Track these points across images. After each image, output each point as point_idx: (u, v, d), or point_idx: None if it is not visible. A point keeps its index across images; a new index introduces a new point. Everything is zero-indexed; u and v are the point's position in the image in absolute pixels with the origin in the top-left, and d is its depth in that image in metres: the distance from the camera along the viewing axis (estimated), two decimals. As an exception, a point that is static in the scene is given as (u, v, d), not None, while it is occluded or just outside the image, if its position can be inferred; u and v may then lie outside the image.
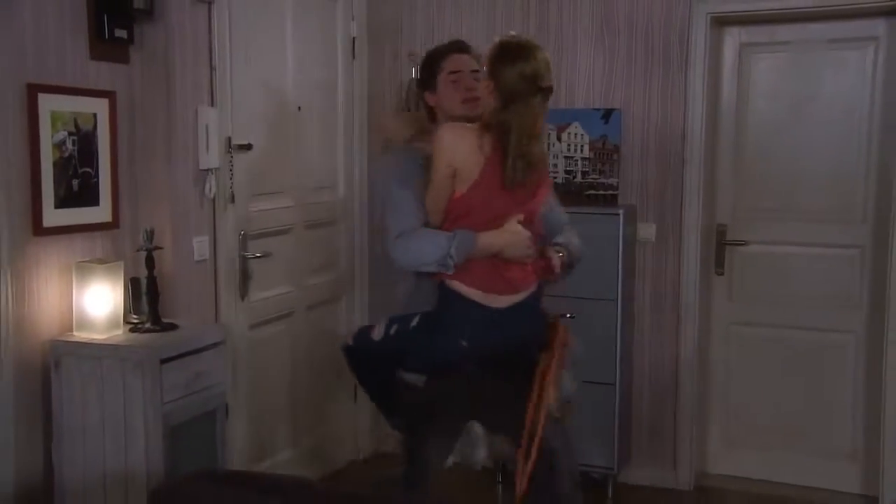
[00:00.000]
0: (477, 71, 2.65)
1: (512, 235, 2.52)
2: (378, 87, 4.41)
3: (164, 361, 2.73)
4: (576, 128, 4.10)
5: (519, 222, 2.53)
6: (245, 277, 3.57)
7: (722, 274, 4.18)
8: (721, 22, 3.99)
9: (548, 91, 2.47)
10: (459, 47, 2.76)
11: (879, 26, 3.83)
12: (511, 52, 2.43)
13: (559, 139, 4.11)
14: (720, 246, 4.16)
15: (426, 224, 2.59)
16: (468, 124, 2.52)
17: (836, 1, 3.72)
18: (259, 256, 3.60)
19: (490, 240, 2.51)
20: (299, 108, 3.89)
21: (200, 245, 3.32)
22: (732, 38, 4.07)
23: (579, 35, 4.09)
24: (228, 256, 3.46)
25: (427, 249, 2.54)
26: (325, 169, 4.15)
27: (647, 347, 4.09)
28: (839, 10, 3.77)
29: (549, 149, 4.06)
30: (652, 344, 4.09)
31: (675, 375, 4.06)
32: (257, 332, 3.68)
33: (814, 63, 3.97)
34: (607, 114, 4.04)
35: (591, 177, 4.09)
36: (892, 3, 3.63)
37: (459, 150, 2.46)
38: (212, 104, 3.32)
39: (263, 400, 3.72)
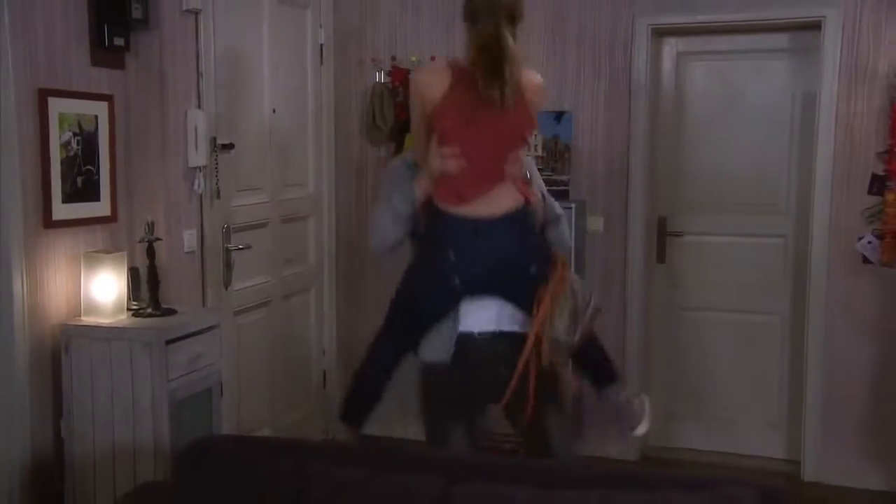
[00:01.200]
0: None
1: (437, 158, 2.51)
2: (344, 91, 4.70)
3: (168, 342, 2.98)
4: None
5: None
6: (228, 268, 3.83)
7: (663, 262, 4.58)
8: (660, 33, 4.39)
9: (508, 11, 2.49)
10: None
11: (798, 39, 4.27)
12: None
13: (514, 139, 4.45)
14: (661, 237, 4.57)
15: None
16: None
17: (759, 16, 4.14)
18: (241, 248, 3.86)
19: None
20: (274, 110, 4.16)
21: (190, 237, 3.57)
22: (670, 47, 4.48)
23: (533, 44, 4.44)
24: (214, 248, 3.72)
25: (379, 220, 2.66)
26: (296, 167, 4.43)
27: (597, 330, 4.45)
28: (763, 25, 4.20)
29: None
30: (599, 329, 4.45)
31: (623, 356, 4.44)
32: (239, 319, 3.94)
33: (741, 70, 4.39)
34: (559, 115, 4.41)
35: (544, 173, 4.42)
36: (810, 18, 4.07)
37: (424, 81, 2.58)
38: (199, 107, 3.57)
39: (245, 382, 3.98)
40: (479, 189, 2.53)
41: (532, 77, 2.62)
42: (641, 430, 2.78)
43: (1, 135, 2.83)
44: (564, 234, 2.86)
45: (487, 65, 2.44)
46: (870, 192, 4.02)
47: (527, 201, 2.61)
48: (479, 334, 2.59)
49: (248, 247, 3.90)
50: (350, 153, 4.74)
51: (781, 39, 4.31)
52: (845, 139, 4.05)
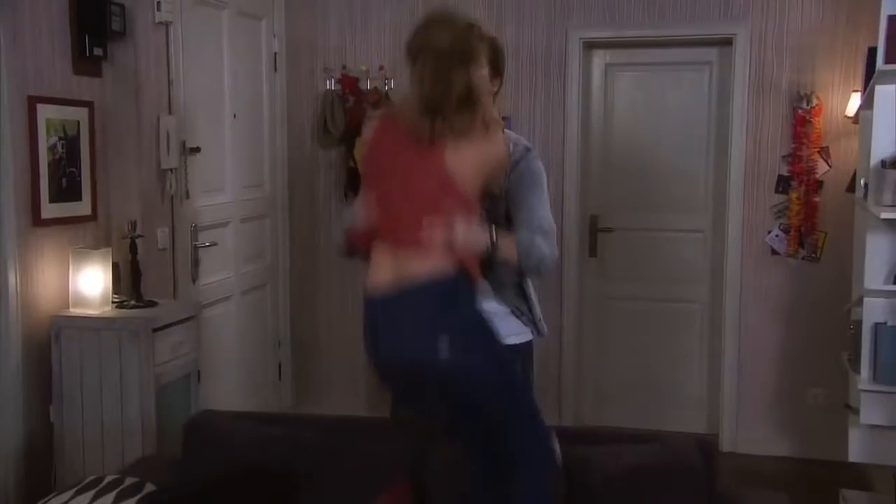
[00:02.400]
0: None
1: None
2: (297, 98, 4.98)
3: (154, 331, 3.23)
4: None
5: None
6: (196, 264, 4.07)
7: (595, 256, 4.99)
8: (590, 45, 4.81)
9: (426, 51, 2.14)
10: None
11: (713, 53, 4.74)
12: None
13: (458, 143, 4.81)
14: (593, 232, 4.98)
15: None
16: None
17: (679, 32, 4.61)
18: (207, 245, 4.10)
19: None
20: (235, 115, 4.42)
21: (163, 235, 3.81)
22: (599, 59, 4.90)
23: (474, 55, 4.80)
24: (183, 245, 3.96)
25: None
26: (254, 170, 4.69)
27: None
28: (682, 40, 4.66)
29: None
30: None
31: (559, 342, 4.84)
32: (206, 312, 4.17)
33: (663, 81, 4.84)
34: (499, 122, 4.77)
35: (486, 175, 4.81)
36: (723, 35, 4.54)
37: (363, 132, 2.45)
38: (170, 112, 3.81)
39: (211, 371, 4.21)
40: (386, 251, 2.11)
41: (498, 143, 2.23)
42: None
43: (-5, 140, 3.03)
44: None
45: (419, 98, 2.12)
46: (776, 191, 4.52)
47: (461, 269, 2.07)
48: None
49: (214, 244, 4.14)
50: (303, 156, 5.02)
51: (698, 54, 4.77)
52: (754, 144, 4.53)
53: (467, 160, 2.09)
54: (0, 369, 3.11)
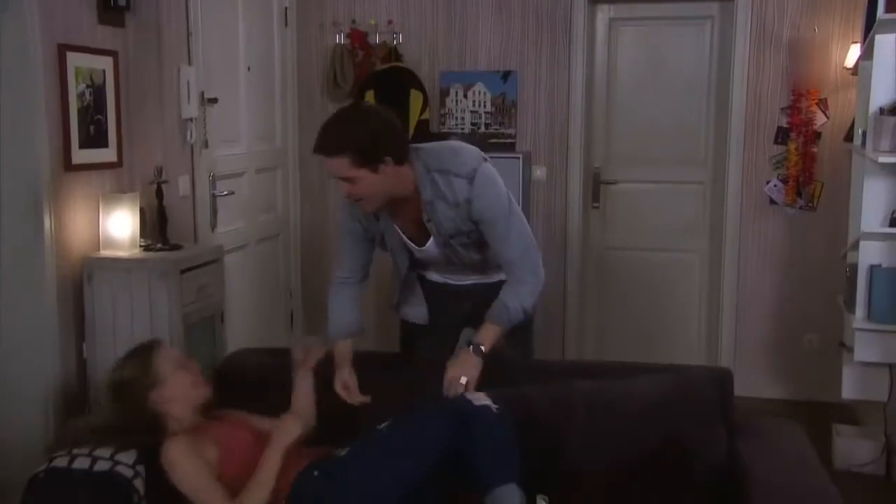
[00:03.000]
0: (346, 175, 2.43)
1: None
2: (307, 52, 5.07)
3: (181, 272, 3.36)
4: (479, 87, 4.93)
5: None
6: (214, 212, 4.18)
7: (597, 208, 5.14)
8: (595, 0, 4.91)
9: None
10: (320, 147, 2.46)
11: (714, 7, 4.85)
12: None
13: (465, 97, 4.93)
14: (596, 185, 5.12)
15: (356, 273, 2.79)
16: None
17: (682, -14, 4.72)
18: (225, 195, 4.22)
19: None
20: (249, 68, 4.51)
21: (184, 183, 3.92)
22: (603, 14, 5.00)
23: (480, 11, 4.91)
24: (202, 194, 4.07)
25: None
26: (266, 122, 4.79)
27: (541, 267, 4.99)
28: (685, -6, 4.78)
29: (456, 105, 4.91)
30: (544, 265, 4.98)
31: (563, 291, 5.00)
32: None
33: (665, 35, 4.95)
34: (506, 75, 4.89)
35: (493, 128, 4.95)
36: (725, -11, 4.66)
37: None
38: (189, 63, 3.90)
39: (227, 319, 4.34)
40: None
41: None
42: None
43: (29, 87, 3.13)
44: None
45: None
46: (775, 142, 4.66)
47: None
48: None
49: (231, 193, 4.26)
50: (313, 110, 5.12)
51: (700, 8, 4.88)
52: (755, 96, 4.66)
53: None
54: (37, 308, 3.23)
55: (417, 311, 2.95)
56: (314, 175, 5.16)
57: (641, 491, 2.18)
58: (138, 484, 2.33)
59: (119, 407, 2.45)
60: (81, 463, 2.31)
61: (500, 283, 2.69)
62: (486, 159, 2.62)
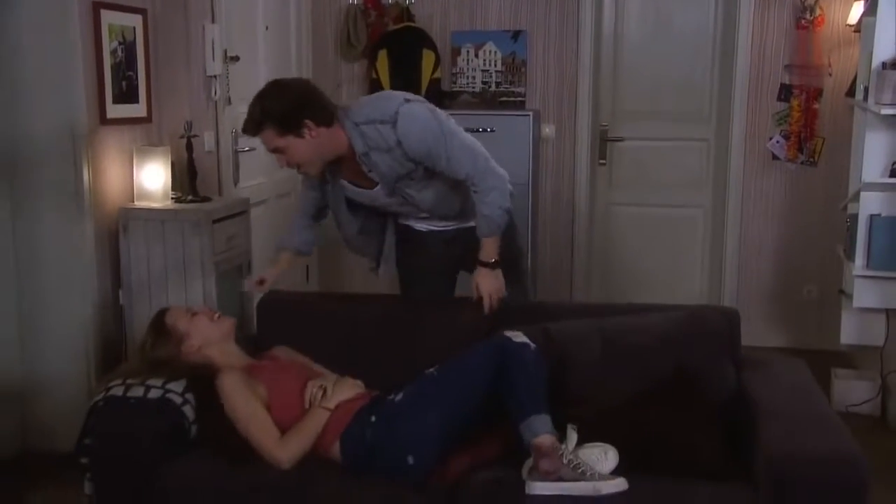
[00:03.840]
0: (276, 146, 2.67)
1: None
2: (321, 13, 5.19)
3: (213, 222, 3.51)
4: (490, 46, 5.05)
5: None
6: (236, 167, 4.32)
7: (604, 164, 5.28)
8: (604, -41, 5.03)
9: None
10: (246, 128, 2.72)
11: (721, -33, 4.97)
12: None
13: (476, 56, 5.06)
14: (603, 142, 5.26)
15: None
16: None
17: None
18: (246, 150, 4.36)
19: None
20: (267, 27, 4.63)
21: (209, 138, 4.05)
22: (611, -27, 5.12)
23: (493, -31, 5.03)
24: (226, 149, 4.21)
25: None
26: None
27: (549, 222, 5.16)
28: (692, -47, 4.89)
29: (467, 64, 5.04)
30: (553, 219, 5.17)
31: (571, 243, 5.17)
32: (246, 214, 4.45)
33: (672, -6, 5.08)
34: (516, 34, 5.01)
35: (503, 86, 5.08)
36: (731, -51, 4.77)
37: None
38: (213, 21, 4.02)
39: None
40: None
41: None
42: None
43: (67, 43, 3.27)
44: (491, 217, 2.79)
45: None
46: (778, 99, 4.80)
47: None
48: None
49: (252, 149, 4.39)
50: (326, 69, 5.24)
51: (706, -33, 5.00)
52: (759, 54, 4.80)
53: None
54: (76, 257, 3.40)
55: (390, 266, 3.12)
56: (329, 133, 5.29)
57: (657, 418, 2.34)
58: (187, 410, 2.50)
59: (160, 366, 2.59)
60: (136, 391, 2.48)
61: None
62: (408, 100, 2.70)
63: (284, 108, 2.59)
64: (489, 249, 2.82)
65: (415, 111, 2.68)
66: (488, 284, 2.81)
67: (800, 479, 2.06)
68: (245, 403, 2.44)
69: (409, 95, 2.76)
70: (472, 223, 2.89)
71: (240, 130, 4.20)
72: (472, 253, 2.86)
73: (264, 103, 2.62)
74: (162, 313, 2.63)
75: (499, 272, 2.82)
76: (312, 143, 2.63)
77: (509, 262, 2.94)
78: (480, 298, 2.81)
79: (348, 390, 2.54)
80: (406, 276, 3.17)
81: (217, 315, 2.63)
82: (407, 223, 3.06)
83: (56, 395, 3.44)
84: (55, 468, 3.31)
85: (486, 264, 2.81)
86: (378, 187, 2.81)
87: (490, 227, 2.79)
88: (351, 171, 2.80)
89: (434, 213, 2.97)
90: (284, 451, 2.38)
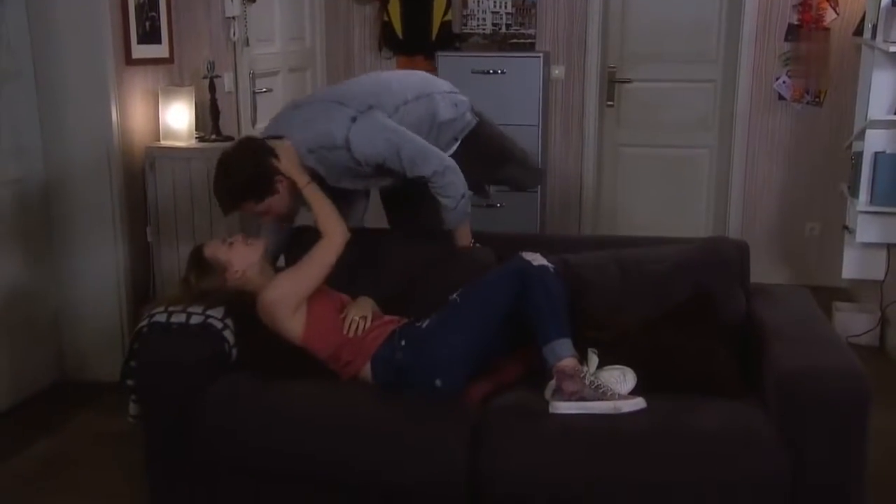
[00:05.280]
0: (256, 212, 2.80)
1: None
2: (333, -47, 5.22)
3: (237, 160, 3.61)
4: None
5: None
6: (254, 108, 4.41)
7: (612, 106, 5.36)
8: None
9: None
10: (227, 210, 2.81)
11: None
12: None
13: (487, -3, 5.12)
14: (611, 84, 5.33)
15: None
16: None
17: None
18: (264, 91, 4.44)
19: None
20: (281, -32, 4.67)
21: (228, 79, 4.13)
22: (621, -86, 5.14)
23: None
24: (244, 90, 4.29)
25: None
26: (297, 23, 4.96)
27: (558, 162, 5.26)
28: None
29: (478, 6, 5.09)
30: (562, 159, 5.27)
31: (580, 183, 5.28)
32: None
33: (681, -64, 5.11)
34: (527, -24, 5.06)
35: (513, 28, 5.14)
36: None
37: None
38: (231, -37, 4.08)
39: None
40: None
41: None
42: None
43: (93, -17, 3.34)
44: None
45: None
46: (786, 40, 4.87)
47: None
48: None
49: (269, 90, 4.48)
50: (339, 11, 5.29)
51: None
52: (767, -6, 4.86)
53: None
54: (105, 195, 3.51)
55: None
56: (341, 74, 5.36)
57: (674, 340, 2.48)
58: (227, 335, 2.64)
59: (206, 295, 2.71)
60: (178, 318, 2.61)
61: None
62: (354, 119, 2.75)
63: (250, 178, 2.68)
64: (464, 236, 2.98)
65: (364, 130, 2.74)
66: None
67: (807, 392, 2.21)
68: (290, 276, 2.63)
69: (352, 110, 2.77)
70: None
71: (256, 72, 4.35)
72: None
73: (229, 185, 2.70)
74: (199, 249, 2.72)
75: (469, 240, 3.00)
76: (286, 191, 2.74)
77: (501, 152, 3.14)
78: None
79: (364, 307, 2.71)
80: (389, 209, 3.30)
81: (250, 240, 2.74)
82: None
83: (89, 326, 3.59)
84: (93, 394, 3.48)
85: (468, 244, 3.00)
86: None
87: (458, 217, 2.92)
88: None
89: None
90: (333, 237, 2.65)
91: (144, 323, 2.64)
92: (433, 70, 4.88)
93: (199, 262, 2.70)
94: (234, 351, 2.64)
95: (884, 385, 3.50)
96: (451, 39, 5.18)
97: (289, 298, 2.56)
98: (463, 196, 2.88)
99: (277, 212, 2.83)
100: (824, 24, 4.75)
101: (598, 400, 2.37)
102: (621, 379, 2.46)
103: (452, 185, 2.86)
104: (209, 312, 2.64)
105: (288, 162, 2.72)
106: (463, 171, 2.90)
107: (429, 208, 2.94)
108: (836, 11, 4.74)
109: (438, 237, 2.99)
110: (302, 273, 2.63)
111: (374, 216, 3.36)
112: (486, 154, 3.14)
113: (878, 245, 4.07)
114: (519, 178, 3.36)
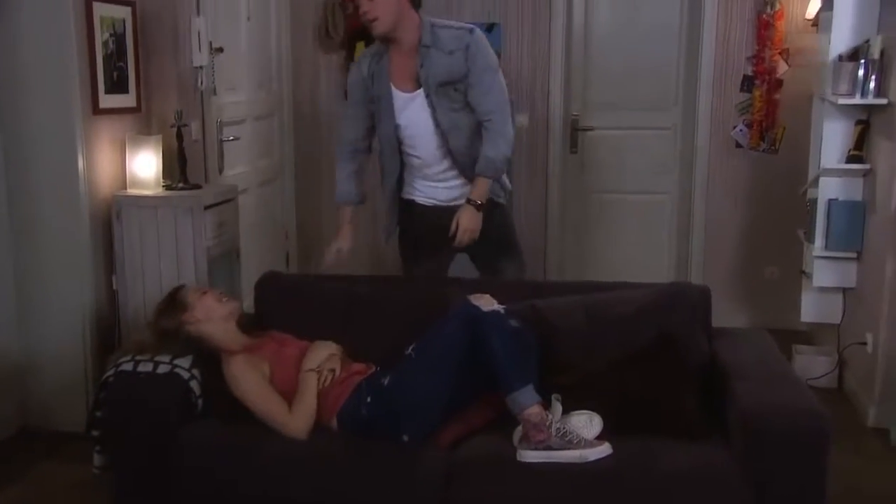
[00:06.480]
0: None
1: None
2: (300, 4, 5.29)
3: (204, 208, 3.63)
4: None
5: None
6: (221, 156, 4.43)
7: (575, 153, 5.46)
8: (574, -45, 5.21)
9: None
10: None
11: (687, -37, 5.18)
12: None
13: (452, 47, 5.20)
14: (574, 131, 5.44)
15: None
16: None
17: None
18: (231, 140, 4.47)
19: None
20: (249, 18, 4.73)
21: (196, 128, 4.15)
22: (581, -31, 5.30)
23: (467, -36, 5.19)
24: (212, 138, 4.32)
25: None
26: (264, 72, 5.02)
27: (524, 208, 5.33)
28: (659, -50, 5.08)
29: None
30: (527, 206, 5.34)
31: (545, 229, 5.35)
32: (230, 202, 4.56)
33: (640, -12, 5.27)
34: (490, 26, 5.17)
35: (478, 77, 5.23)
36: (696, -54, 4.97)
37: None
38: (199, 13, 4.12)
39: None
40: None
41: None
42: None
43: (61, 34, 3.36)
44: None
45: None
46: (741, 90, 5.02)
47: None
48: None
49: (236, 138, 4.51)
50: (305, 60, 5.36)
51: (673, -37, 5.20)
52: (723, 46, 5.01)
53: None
54: (72, 243, 3.50)
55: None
56: (307, 121, 5.42)
57: (640, 381, 2.53)
58: (194, 385, 2.64)
59: (164, 337, 2.73)
60: (145, 367, 2.61)
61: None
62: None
63: None
64: (481, 190, 3.14)
65: (484, 39, 3.12)
66: (467, 221, 3.12)
67: (770, 430, 2.27)
68: (254, 386, 2.58)
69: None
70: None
71: (223, 120, 4.38)
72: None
73: None
74: (177, 288, 2.77)
75: (480, 216, 3.14)
76: (397, 8, 3.02)
77: (507, 238, 3.33)
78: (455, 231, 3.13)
79: (323, 350, 2.71)
80: (406, 250, 3.44)
81: (225, 298, 2.77)
82: (412, 197, 3.30)
83: (53, 375, 3.55)
84: (58, 444, 3.43)
85: (473, 203, 3.13)
86: (419, 91, 3.08)
87: (489, 167, 3.12)
88: (401, 68, 3.11)
89: (457, 156, 3.18)
90: (296, 422, 2.54)
91: (111, 372, 2.63)
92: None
93: (169, 299, 2.75)
94: (200, 402, 2.63)
95: (843, 426, 3.59)
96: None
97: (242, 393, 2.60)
98: (505, 157, 3.14)
99: (377, 8, 3.02)
100: (777, 75, 4.91)
101: (565, 448, 2.40)
102: (588, 423, 2.49)
103: (503, 139, 3.12)
104: (176, 362, 2.64)
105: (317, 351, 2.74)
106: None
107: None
108: (787, 64, 4.90)
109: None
110: (253, 400, 2.59)
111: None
112: (503, 234, 3.37)
113: (834, 289, 4.17)
114: (509, 272, 3.46)
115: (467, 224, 3.12)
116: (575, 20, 5.32)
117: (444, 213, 3.22)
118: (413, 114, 3.15)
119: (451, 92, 3.08)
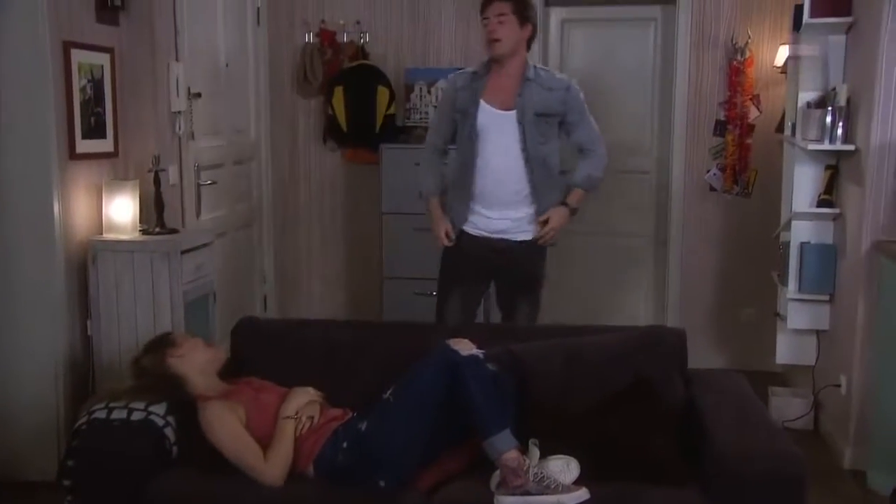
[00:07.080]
0: (503, 14, 3.35)
1: None
2: (278, 50, 5.35)
3: (181, 253, 3.62)
4: (442, 83, 5.23)
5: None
6: (199, 200, 4.44)
7: (552, 196, 5.51)
8: (548, 2, 5.30)
9: None
10: None
11: (657, 11, 5.28)
12: None
13: (429, 92, 5.27)
14: (550, 174, 5.49)
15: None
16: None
17: (628, -9, 5.14)
18: (208, 184, 4.48)
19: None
20: (227, 64, 4.77)
21: (173, 172, 4.16)
22: (557, 16, 5.40)
23: (443, 11, 5.27)
24: (189, 183, 4.33)
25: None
26: (242, 116, 5.05)
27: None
28: (629, -1, 5.20)
29: (420, 100, 5.24)
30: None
31: (522, 272, 5.37)
32: (207, 246, 4.55)
33: (613, 36, 5.37)
34: (467, 73, 5.23)
35: (455, 122, 5.28)
36: (668, -6, 5.10)
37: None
38: (177, 59, 4.16)
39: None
40: None
41: None
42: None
43: (39, 81, 3.37)
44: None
45: None
46: (714, 134, 5.11)
47: None
48: None
49: (214, 183, 4.52)
50: (283, 105, 5.40)
51: (644, 11, 5.31)
52: (695, 92, 5.11)
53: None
54: (47, 288, 3.48)
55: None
56: (285, 165, 5.44)
57: (617, 425, 2.54)
58: (169, 432, 2.61)
59: (143, 375, 2.72)
60: (119, 414, 2.58)
61: (523, 243, 3.53)
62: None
63: (528, 3, 3.44)
64: (577, 198, 3.58)
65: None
66: (558, 219, 3.52)
67: (746, 473, 2.27)
68: (230, 432, 2.55)
69: None
70: (521, 237, 3.51)
71: (201, 164, 4.39)
72: (511, 266, 3.54)
73: None
74: (168, 332, 2.78)
75: (568, 220, 3.56)
76: (519, 35, 3.39)
77: (536, 280, 3.70)
78: (543, 224, 3.48)
79: (302, 397, 2.70)
80: (445, 278, 3.64)
81: (212, 347, 2.80)
82: (462, 227, 3.51)
83: (25, 424, 3.50)
84: (27, 495, 3.37)
85: (567, 206, 3.54)
86: (512, 112, 3.39)
87: (588, 181, 3.59)
88: (497, 89, 3.42)
89: (535, 186, 3.46)
90: (272, 469, 2.52)
91: (84, 420, 2.60)
92: (377, 162, 5.00)
93: (157, 338, 2.81)
94: (175, 449, 2.60)
95: (819, 468, 3.60)
96: (395, 132, 5.29)
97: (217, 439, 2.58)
98: (600, 175, 3.63)
99: (503, 30, 3.36)
100: (749, 120, 5.01)
101: (542, 493, 2.39)
102: (565, 468, 2.49)
103: (600, 161, 3.63)
104: (151, 409, 2.61)
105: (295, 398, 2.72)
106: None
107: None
108: (759, 109, 5.00)
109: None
110: (229, 446, 2.56)
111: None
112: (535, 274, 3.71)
113: (808, 331, 4.21)
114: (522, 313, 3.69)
115: (556, 222, 3.49)
116: (550, 65, 5.38)
117: (490, 244, 3.51)
118: (496, 127, 3.41)
119: (542, 124, 3.42)
